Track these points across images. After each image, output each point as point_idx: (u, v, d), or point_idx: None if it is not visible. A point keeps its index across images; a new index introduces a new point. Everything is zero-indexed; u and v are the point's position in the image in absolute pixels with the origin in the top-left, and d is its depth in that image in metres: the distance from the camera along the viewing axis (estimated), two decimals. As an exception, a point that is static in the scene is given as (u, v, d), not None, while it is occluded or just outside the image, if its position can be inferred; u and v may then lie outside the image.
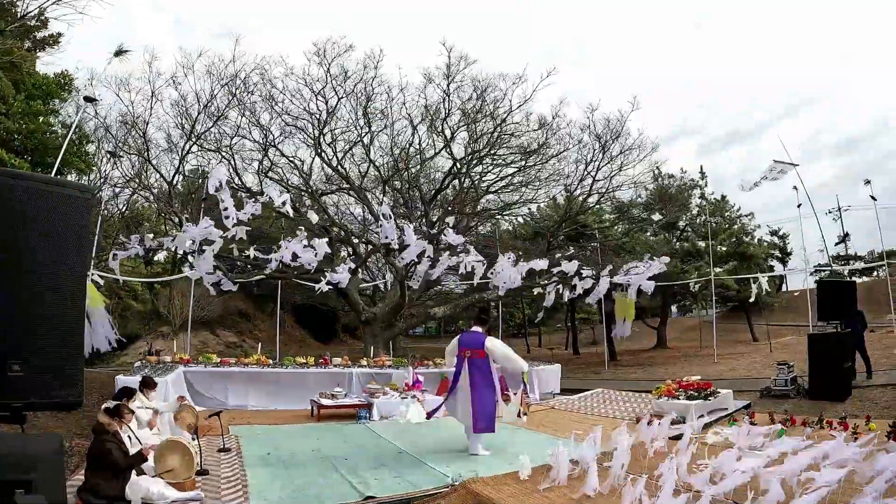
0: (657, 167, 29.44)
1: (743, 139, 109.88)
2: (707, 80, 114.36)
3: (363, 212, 26.09)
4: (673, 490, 6.00)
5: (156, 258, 31.51)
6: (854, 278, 25.95)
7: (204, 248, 15.34)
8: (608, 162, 25.80)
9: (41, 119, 21.31)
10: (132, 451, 6.70)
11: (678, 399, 12.62)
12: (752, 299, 26.51)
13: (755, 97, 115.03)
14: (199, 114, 23.12)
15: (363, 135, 25.50)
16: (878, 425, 9.37)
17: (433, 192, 26.74)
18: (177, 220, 22.12)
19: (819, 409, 11.63)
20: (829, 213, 38.80)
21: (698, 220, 33.54)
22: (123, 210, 29.58)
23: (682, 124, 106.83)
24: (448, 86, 24.19)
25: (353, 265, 19.59)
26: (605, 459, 7.74)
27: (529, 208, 31.79)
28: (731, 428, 9.28)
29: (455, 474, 7.67)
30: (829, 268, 28.95)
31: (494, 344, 9.69)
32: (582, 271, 20.17)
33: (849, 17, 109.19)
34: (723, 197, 35.84)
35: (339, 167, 25.19)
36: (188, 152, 24.59)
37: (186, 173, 27.43)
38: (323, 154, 24.62)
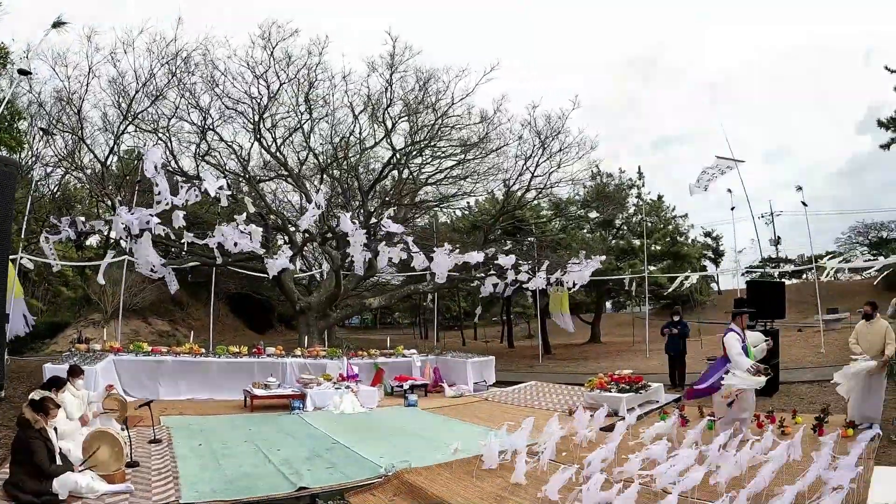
0: (596, 166, 29.96)
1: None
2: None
3: (301, 200, 25.87)
4: (603, 479, 6.15)
5: (88, 242, 30.70)
6: (784, 280, 26.77)
7: (140, 235, 14.99)
8: (547, 158, 26.12)
9: (-30, 91, 20.50)
10: (56, 444, 6.57)
11: (610, 392, 12.87)
12: (670, 289, 27.16)
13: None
14: (136, 92, 22.60)
15: (303, 122, 25.29)
16: (803, 419, 9.73)
17: (372, 181, 26.65)
18: (110, 202, 21.59)
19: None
20: (762, 217, 39.97)
21: (634, 220, 34.19)
22: (55, 191, 28.75)
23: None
24: (391, 75, 24.14)
25: (289, 253, 19.38)
26: (536, 449, 7.90)
27: (468, 202, 31.99)
28: (662, 421, 9.50)
29: (388, 465, 7.72)
30: (761, 268, 29.78)
31: (727, 340, 9.42)
32: (519, 265, 20.35)
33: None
34: (659, 197, 36.62)
35: (278, 153, 24.92)
36: (124, 132, 24.02)
37: (122, 154, 26.77)
38: (262, 140, 24.31)
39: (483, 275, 21.04)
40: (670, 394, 14.33)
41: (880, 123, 30.03)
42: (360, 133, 26.39)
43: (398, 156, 26.11)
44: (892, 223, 43.68)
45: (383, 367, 16.93)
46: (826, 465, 6.46)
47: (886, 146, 30.16)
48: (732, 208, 22.59)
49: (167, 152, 22.38)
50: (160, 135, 23.61)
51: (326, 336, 21.40)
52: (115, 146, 24.70)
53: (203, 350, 15.70)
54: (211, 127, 23.96)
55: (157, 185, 14.49)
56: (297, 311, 21.95)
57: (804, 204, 21.34)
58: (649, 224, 33.17)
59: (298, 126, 25.35)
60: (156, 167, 14.32)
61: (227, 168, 25.00)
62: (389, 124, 25.43)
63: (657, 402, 13.34)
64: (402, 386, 15.86)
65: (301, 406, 12.96)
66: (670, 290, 27.17)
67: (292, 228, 23.02)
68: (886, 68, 28.31)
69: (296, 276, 24.83)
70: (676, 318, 16.53)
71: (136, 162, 24.35)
